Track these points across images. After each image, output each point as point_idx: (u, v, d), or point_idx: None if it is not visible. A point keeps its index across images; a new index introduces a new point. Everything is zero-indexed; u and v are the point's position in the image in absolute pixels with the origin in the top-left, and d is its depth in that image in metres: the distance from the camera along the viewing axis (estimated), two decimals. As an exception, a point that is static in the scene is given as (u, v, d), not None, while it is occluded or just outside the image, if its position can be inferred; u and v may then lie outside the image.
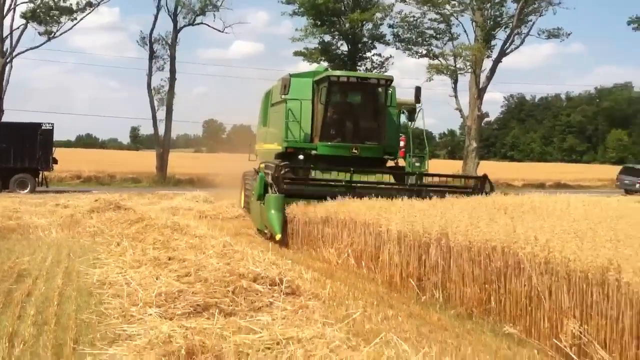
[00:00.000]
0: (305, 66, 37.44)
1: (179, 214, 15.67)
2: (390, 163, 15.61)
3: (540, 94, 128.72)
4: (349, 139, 14.69)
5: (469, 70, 34.43)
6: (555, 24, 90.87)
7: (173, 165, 37.63)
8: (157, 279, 6.86)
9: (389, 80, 14.91)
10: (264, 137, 17.79)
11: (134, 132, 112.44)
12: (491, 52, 35.06)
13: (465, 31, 35.11)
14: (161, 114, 37.46)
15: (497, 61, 34.60)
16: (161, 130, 37.76)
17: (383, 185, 13.67)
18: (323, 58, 36.23)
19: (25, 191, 24.81)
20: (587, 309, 5.24)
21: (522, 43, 35.28)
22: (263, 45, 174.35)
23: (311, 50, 37.70)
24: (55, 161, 26.47)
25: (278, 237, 11.45)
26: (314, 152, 14.63)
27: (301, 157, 14.34)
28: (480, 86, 34.32)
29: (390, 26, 37.07)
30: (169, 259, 7.98)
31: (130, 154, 73.28)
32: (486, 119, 44.33)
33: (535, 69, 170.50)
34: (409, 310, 6.99)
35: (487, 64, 35.07)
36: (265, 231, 12.55)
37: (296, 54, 38.93)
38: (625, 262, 5.00)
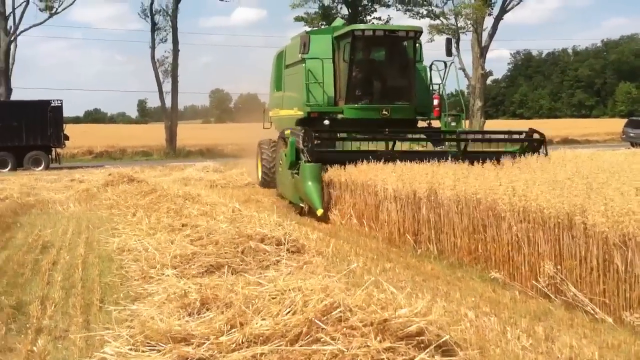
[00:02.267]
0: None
1: (190, 184, 16.20)
2: (421, 124, 14.55)
3: (547, 50, 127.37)
4: (378, 99, 13.48)
5: (470, 29, 34.51)
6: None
7: (182, 137, 37.96)
8: (172, 244, 7.38)
9: (419, 32, 13.63)
10: (280, 103, 16.35)
11: (142, 105, 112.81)
12: (492, 9, 35.09)
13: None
14: (167, 86, 37.80)
15: (498, 18, 34.69)
16: (168, 102, 38.14)
17: (434, 149, 12.54)
18: (324, 23, 36.35)
19: (40, 168, 25.40)
20: (560, 251, 5.77)
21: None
22: (266, 11, 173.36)
23: (312, 15, 37.82)
24: (66, 137, 27.01)
25: (320, 212, 10.35)
26: (340, 116, 13.44)
27: (327, 122, 13.05)
28: (483, 44, 34.43)
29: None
30: (183, 225, 8.50)
31: (139, 127, 73.57)
32: (493, 77, 44.37)
33: (541, 24, 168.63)
34: (405, 263, 7.55)
35: (489, 21, 35.14)
36: (302, 205, 11.40)
37: (297, 19, 39.10)
38: (592, 207, 5.51)
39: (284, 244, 7.31)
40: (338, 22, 17.13)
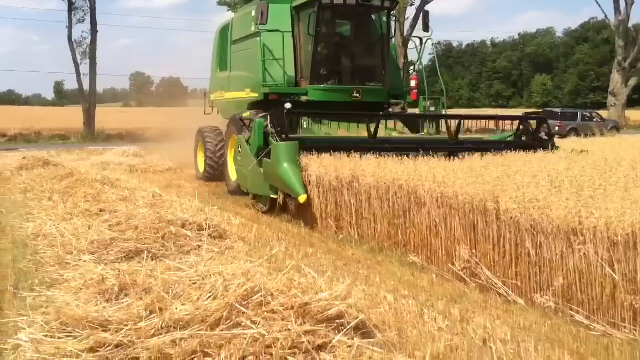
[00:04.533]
0: (230, 16, 37.29)
1: (109, 168, 15.75)
2: (394, 108, 13.01)
3: (467, 41, 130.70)
4: (347, 80, 11.93)
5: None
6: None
7: (101, 121, 36.85)
8: (89, 229, 7.22)
9: (395, 2, 12.04)
10: (225, 85, 14.41)
11: (59, 87, 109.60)
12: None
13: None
14: (85, 68, 36.63)
15: (420, 8, 35.27)
16: (86, 84, 36.97)
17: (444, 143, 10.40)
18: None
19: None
20: (475, 236, 5.97)
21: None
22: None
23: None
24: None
25: (303, 198, 8.51)
26: (304, 97, 11.69)
27: (288, 105, 10.77)
28: (405, 34, 34.98)
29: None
30: (100, 210, 8.32)
31: (56, 110, 71.36)
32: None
33: (462, 15, 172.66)
34: (327, 248, 7.63)
35: (411, 11, 35.69)
36: (275, 196, 9.60)
37: (220, 3, 38.57)
38: (503, 194, 5.72)
39: (206, 229, 7.27)
40: None
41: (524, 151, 9.39)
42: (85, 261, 6.13)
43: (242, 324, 3.77)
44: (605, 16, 47.60)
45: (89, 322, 3.90)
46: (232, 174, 12.09)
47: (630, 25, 44.41)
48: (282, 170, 8.88)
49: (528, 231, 5.38)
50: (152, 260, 6.08)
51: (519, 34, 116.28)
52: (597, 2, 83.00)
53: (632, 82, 43.88)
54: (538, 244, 5.29)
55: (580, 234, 4.92)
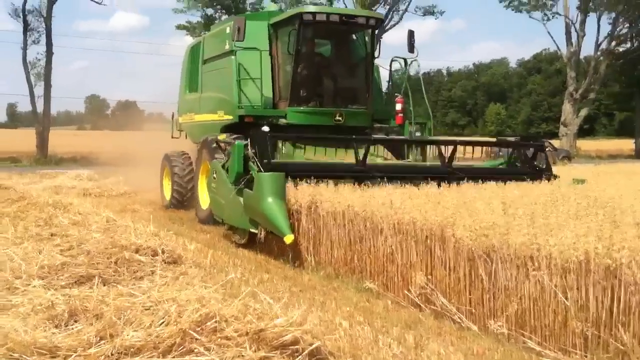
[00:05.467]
0: (190, 41, 37.50)
1: (61, 192, 15.47)
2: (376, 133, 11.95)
3: (424, 70, 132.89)
4: (329, 102, 11.27)
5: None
6: (432, 1, 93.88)
7: (55, 144, 36.46)
8: (40, 254, 7.03)
9: (380, 20, 11.74)
10: (195, 107, 13.63)
11: (11, 109, 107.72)
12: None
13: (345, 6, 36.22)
14: (39, 89, 36.27)
15: (378, 37, 35.74)
16: (40, 107, 36.58)
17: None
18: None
19: None
20: (431, 262, 6.01)
21: (400, 19, 36.60)
22: (147, 17, 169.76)
23: (194, 24, 37.54)
24: None
25: (290, 239, 7.45)
26: (282, 120, 10.94)
27: (266, 128, 9.52)
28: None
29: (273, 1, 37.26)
30: (52, 234, 8.13)
31: (8, 132, 70.08)
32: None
33: (419, 44, 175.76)
34: (283, 274, 7.59)
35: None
36: (255, 230, 8.42)
37: (179, 27, 38.78)
38: (459, 221, 5.79)
39: (160, 254, 7.16)
40: (272, 6, 14.37)
41: (519, 180, 8.85)
42: (34, 286, 5.96)
43: (195, 350, 3.72)
44: (558, 47, 49.04)
45: (37, 348, 3.80)
46: (203, 202, 11.42)
47: (581, 56, 45.75)
48: (265, 205, 7.77)
49: (481, 258, 5.44)
50: (104, 285, 5.97)
51: (474, 64, 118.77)
52: (550, 34, 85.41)
53: (583, 112, 45.10)
54: (492, 270, 5.35)
55: (536, 260, 4.99)
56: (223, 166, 9.35)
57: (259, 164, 8.23)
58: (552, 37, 74.84)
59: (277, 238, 8.16)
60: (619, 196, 6.71)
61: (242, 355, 3.66)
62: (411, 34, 11.92)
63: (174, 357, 3.66)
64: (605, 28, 60.08)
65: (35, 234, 8.27)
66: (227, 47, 11.59)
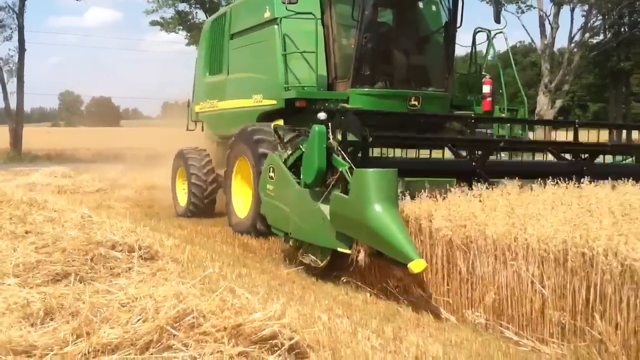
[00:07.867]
0: (164, 36, 37.23)
1: (36, 189, 15.31)
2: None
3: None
4: (401, 82, 9.21)
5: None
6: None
7: (28, 141, 36.13)
8: (14, 251, 6.95)
9: None
10: (219, 92, 11.44)
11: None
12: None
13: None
14: (12, 86, 35.93)
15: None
16: (13, 103, 36.23)
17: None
18: (181, 27, 35.87)
19: None
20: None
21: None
22: (121, 13, 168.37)
23: (167, 20, 37.20)
24: None
25: (420, 267, 5.23)
26: (342, 105, 8.38)
27: (323, 115, 6.46)
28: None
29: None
30: (26, 232, 8.02)
31: (-19, 129, 69.00)
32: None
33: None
34: (261, 268, 7.57)
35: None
36: (344, 250, 6.24)
37: (152, 23, 38.33)
38: (437, 212, 5.80)
39: (137, 250, 7.10)
40: None
41: None
42: (9, 284, 5.89)
43: (174, 346, 3.70)
44: (532, 40, 49.37)
45: (12, 347, 3.76)
46: (239, 209, 9.67)
47: (555, 49, 46.11)
48: (372, 215, 5.57)
49: (460, 248, 5.47)
50: (80, 283, 5.89)
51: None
52: (524, 27, 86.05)
53: (558, 103, 45.50)
54: (470, 261, 5.38)
55: (514, 251, 5.02)
56: (285, 162, 7.31)
57: (348, 158, 6.13)
58: (526, 30, 75.71)
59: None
60: (593, 185, 6.73)
61: (221, 351, 3.66)
62: (497, 2, 9.98)
63: (151, 354, 3.65)
64: (579, 20, 60.70)
65: (10, 232, 8.15)
66: (267, 14, 9.60)
